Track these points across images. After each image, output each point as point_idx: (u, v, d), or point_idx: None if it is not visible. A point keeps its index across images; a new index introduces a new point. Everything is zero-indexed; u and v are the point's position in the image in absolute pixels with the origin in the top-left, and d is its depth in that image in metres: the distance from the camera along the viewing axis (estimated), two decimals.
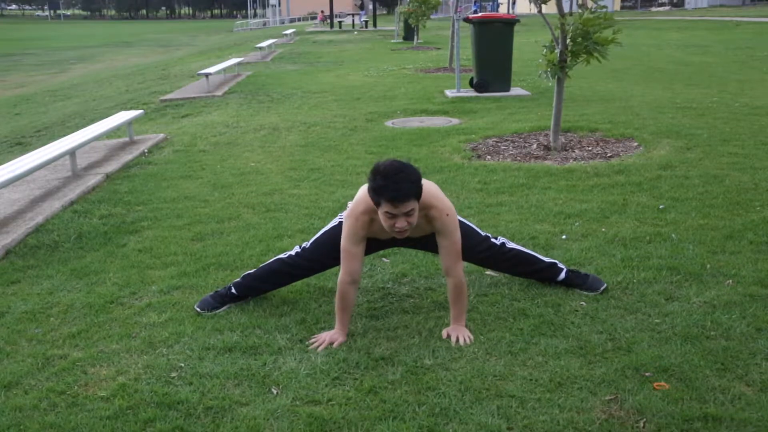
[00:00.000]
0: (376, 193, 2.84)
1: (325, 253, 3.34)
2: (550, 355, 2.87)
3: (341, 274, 3.08)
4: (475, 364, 2.81)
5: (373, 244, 3.22)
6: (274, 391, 2.69)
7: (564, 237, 4.21)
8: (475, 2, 45.87)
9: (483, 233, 3.42)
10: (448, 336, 3.06)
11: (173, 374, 2.85)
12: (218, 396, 2.67)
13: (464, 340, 3.01)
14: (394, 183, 2.79)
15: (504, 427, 2.41)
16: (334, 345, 3.02)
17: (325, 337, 3.07)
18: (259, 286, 3.48)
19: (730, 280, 3.49)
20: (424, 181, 2.98)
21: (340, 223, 3.29)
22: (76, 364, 2.96)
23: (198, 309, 3.41)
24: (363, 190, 3.06)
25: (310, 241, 3.43)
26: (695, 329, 3.01)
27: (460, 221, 3.24)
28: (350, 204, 3.16)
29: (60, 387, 2.78)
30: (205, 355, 2.99)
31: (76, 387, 2.79)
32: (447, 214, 3.02)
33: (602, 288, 3.42)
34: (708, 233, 4.16)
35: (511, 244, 3.49)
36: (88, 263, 4.20)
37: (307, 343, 3.07)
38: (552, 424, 2.41)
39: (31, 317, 3.48)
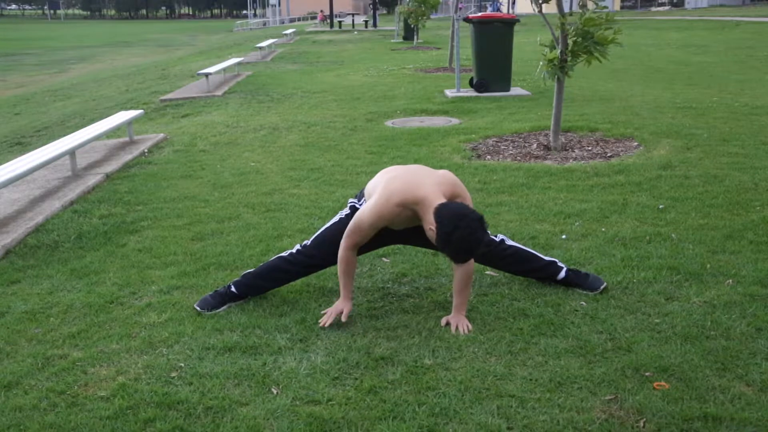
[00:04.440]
0: (446, 246, 2.86)
1: (325, 251, 3.35)
2: (550, 355, 2.87)
3: (344, 243, 3.16)
4: (475, 364, 2.81)
5: (384, 233, 3.23)
6: (274, 391, 2.69)
7: (564, 237, 4.21)
8: (493, 3, 45.74)
9: None
10: (447, 323, 3.15)
11: (173, 374, 2.85)
12: (218, 396, 2.67)
13: (464, 329, 3.10)
14: (466, 252, 2.87)
15: (504, 427, 2.41)
16: (342, 316, 3.15)
17: (331, 311, 3.20)
18: (260, 284, 3.48)
19: (730, 280, 3.49)
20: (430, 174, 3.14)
21: (341, 220, 3.34)
22: (76, 364, 2.96)
23: (198, 308, 3.42)
24: (401, 180, 3.10)
25: (311, 239, 3.47)
26: (695, 329, 3.01)
27: None
28: (379, 191, 3.14)
29: (60, 387, 2.79)
30: (205, 355, 2.99)
31: (76, 387, 2.79)
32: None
33: (602, 287, 3.42)
34: (708, 233, 4.16)
35: (510, 242, 3.50)
36: (88, 263, 4.20)
37: (319, 322, 3.19)
38: (552, 424, 2.42)
39: (31, 317, 3.48)
